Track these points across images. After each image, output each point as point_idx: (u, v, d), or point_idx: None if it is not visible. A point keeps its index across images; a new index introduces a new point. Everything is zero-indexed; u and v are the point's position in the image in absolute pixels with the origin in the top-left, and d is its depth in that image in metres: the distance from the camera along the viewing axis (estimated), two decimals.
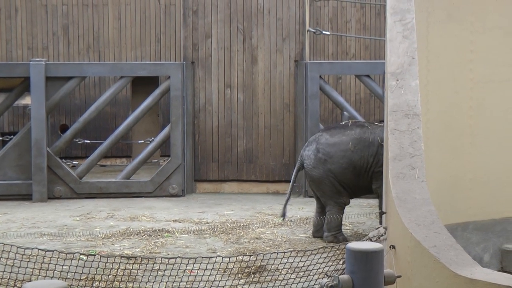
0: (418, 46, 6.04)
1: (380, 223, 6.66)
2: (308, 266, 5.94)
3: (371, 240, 5.52)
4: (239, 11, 11.33)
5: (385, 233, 5.54)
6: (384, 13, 12.02)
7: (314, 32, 11.91)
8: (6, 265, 5.75)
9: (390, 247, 4.97)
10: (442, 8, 6.30)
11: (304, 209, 10.01)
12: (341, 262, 5.94)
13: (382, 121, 8.02)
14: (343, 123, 8.64)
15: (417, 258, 4.58)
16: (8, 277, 5.92)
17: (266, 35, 11.28)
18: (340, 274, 4.12)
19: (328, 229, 8.20)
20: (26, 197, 10.71)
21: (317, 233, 8.37)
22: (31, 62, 10.88)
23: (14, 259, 5.75)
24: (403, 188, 5.12)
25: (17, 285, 6.04)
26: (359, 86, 12.88)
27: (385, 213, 5.96)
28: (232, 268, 6.71)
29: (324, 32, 11.96)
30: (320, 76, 11.08)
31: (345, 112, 10.81)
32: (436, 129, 6.19)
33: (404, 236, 4.74)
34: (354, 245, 3.95)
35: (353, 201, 8.67)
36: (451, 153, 6.30)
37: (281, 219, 8.67)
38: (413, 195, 5.04)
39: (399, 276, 4.25)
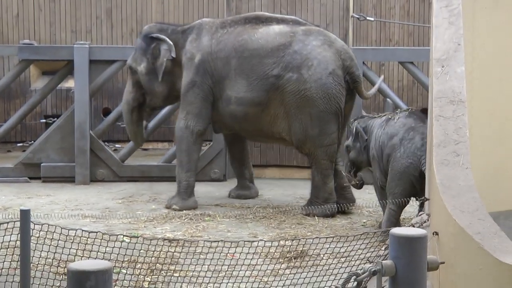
0: (464, 33, 5.98)
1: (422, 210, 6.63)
2: (350, 251, 5.93)
3: (414, 226, 5.50)
4: None
5: (428, 220, 5.51)
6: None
7: (358, 18, 11.83)
8: (50, 245, 5.81)
9: (433, 234, 4.94)
10: None
11: None
12: (383, 248, 5.92)
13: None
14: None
15: (461, 244, 4.55)
16: (52, 258, 6.00)
17: (310, 21, 11.17)
18: (382, 260, 4.10)
19: None
20: (69, 179, 10.77)
21: None
22: (75, 45, 10.95)
23: (58, 240, 5.81)
24: (447, 175, 5.09)
25: (61, 266, 6.11)
26: (402, 73, 12.76)
27: (428, 199, 5.94)
28: (273, 253, 6.73)
29: (368, 18, 11.89)
30: (364, 63, 10.98)
31: (388, 99, 10.69)
32: (481, 116, 6.13)
33: (448, 223, 4.71)
34: (398, 230, 3.93)
35: None
36: (495, 141, 6.24)
37: None
38: (457, 182, 5.00)
39: (443, 263, 4.23)
